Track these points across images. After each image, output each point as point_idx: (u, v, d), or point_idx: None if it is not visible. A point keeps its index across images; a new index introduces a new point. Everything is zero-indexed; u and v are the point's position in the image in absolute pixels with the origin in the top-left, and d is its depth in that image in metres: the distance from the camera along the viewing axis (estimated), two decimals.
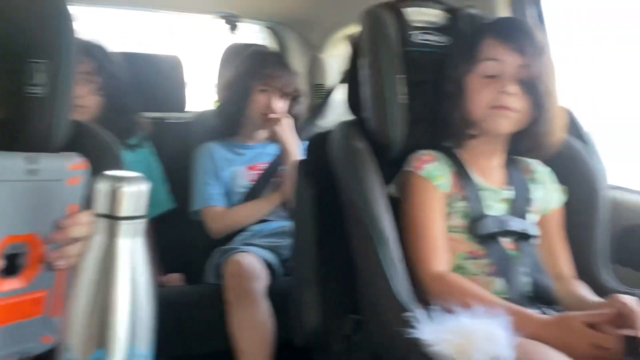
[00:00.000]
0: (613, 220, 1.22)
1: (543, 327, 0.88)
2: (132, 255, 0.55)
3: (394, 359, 0.91)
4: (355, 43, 1.20)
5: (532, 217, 1.12)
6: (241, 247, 1.52)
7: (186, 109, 1.99)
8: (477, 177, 1.10)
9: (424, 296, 0.98)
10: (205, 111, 1.97)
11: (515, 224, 1.07)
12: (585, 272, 1.12)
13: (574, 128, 1.26)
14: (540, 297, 1.02)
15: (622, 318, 0.86)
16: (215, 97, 2.00)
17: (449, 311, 0.85)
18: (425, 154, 1.10)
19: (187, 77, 1.95)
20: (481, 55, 1.07)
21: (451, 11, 1.25)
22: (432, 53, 1.19)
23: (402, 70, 1.10)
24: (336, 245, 1.15)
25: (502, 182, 1.12)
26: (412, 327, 0.84)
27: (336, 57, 2.37)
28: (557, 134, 1.08)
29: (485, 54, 1.06)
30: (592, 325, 0.86)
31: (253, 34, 2.42)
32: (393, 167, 1.13)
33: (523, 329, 0.83)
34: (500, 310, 0.84)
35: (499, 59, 1.05)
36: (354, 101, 1.21)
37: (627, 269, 1.30)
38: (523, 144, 1.10)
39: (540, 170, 1.16)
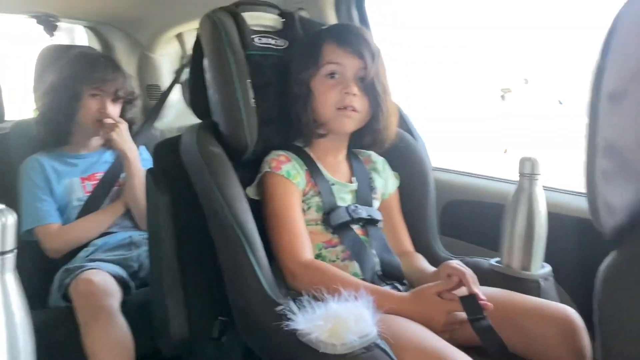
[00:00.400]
0: (436, 198, 1.39)
1: (401, 302, 0.98)
2: (4, 293, 0.51)
3: (271, 354, 0.94)
4: (197, 45, 1.20)
5: (376, 203, 1.23)
6: (88, 264, 1.43)
7: (7, 119, 1.78)
8: (327, 173, 1.18)
9: (294, 288, 1.04)
10: (23, 120, 1.79)
11: (363, 212, 1.17)
12: (422, 246, 1.27)
13: (402, 121, 1.40)
14: (389, 274, 1.13)
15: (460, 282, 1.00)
16: (34, 104, 1.83)
17: (318, 299, 0.91)
18: (281, 155, 1.15)
19: (2, 83, 1.75)
20: (323, 59, 1.14)
21: (285, 15, 1.31)
22: (272, 56, 1.23)
23: (248, 74, 1.13)
24: (196, 249, 1.15)
25: (348, 174, 1.22)
26: (287, 319, 0.88)
27: (167, 57, 2.31)
28: (393, 128, 1.21)
29: (327, 58, 1.14)
30: (442, 295, 0.98)
31: (63, 33, 2.24)
32: (246, 169, 1.16)
33: (383, 306, 0.92)
34: (363, 291, 0.92)
35: (340, 62, 1.13)
36: (199, 104, 1.21)
37: (450, 239, 1.50)
38: (365, 140, 1.20)
39: (377, 159, 1.28)
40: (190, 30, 2.20)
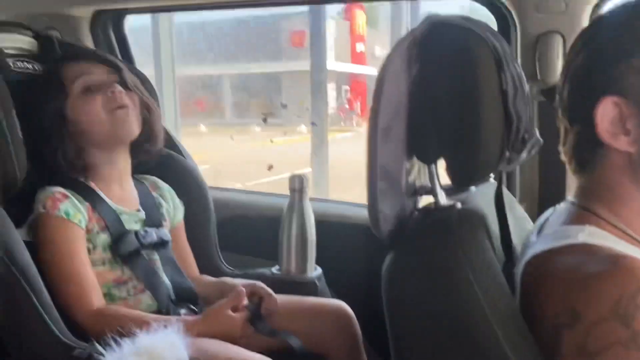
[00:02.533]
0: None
1: (199, 326, 0.99)
2: None
3: None
4: None
5: (165, 229, 1.22)
6: None
7: None
8: (112, 203, 1.12)
9: (89, 334, 0.98)
10: None
11: (153, 234, 1.14)
12: (208, 265, 1.31)
13: (172, 143, 1.41)
14: (182, 297, 1.14)
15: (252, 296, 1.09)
16: None
17: (124, 335, 0.89)
18: (56, 192, 1.06)
19: None
20: (68, 79, 1.10)
21: (41, 38, 1.23)
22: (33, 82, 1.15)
23: (12, 103, 1.03)
24: None
25: (136, 202, 1.18)
26: None
27: None
28: (161, 125, 1.21)
29: (73, 75, 1.10)
30: (235, 309, 1.04)
31: None
32: (17, 207, 1.05)
33: (188, 332, 0.94)
34: (166, 323, 0.94)
35: (90, 72, 1.10)
36: None
37: (230, 253, 1.57)
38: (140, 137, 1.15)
39: (163, 186, 1.26)
40: None
